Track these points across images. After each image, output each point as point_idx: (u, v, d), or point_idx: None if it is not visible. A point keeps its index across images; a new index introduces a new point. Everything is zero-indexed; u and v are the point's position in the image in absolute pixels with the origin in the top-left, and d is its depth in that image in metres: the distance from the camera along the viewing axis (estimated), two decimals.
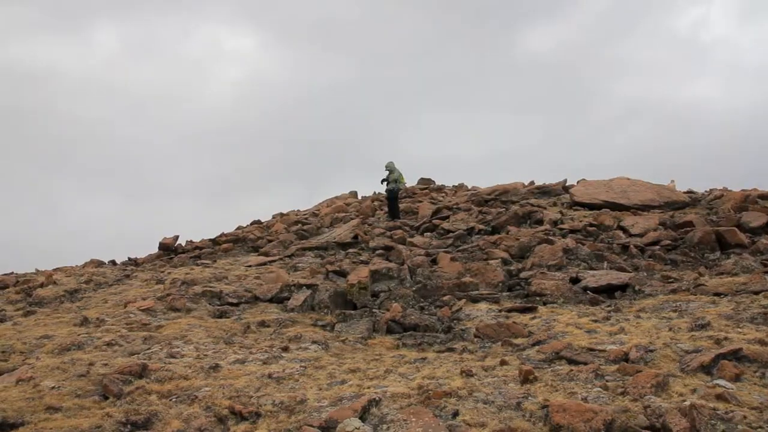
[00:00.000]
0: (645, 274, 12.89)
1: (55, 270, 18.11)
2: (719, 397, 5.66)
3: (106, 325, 10.46)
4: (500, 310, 10.57)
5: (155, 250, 21.73)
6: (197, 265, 17.28)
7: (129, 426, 6.06)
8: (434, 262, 14.60)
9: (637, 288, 11.56)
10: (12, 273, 18.08)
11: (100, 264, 19.62)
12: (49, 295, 13.84)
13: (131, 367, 7.56)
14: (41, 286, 14.69)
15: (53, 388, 7.05)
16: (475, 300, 11.39)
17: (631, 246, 14.98)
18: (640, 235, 16.26)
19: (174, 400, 6.70)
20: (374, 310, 11.27)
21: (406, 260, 14.53)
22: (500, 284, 12.82)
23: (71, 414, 6.30)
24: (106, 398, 6.82)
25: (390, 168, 22.56)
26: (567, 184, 25.23)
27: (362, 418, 5.77)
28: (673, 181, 24.27)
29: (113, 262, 20.25)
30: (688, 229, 16.03)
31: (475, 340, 9.12)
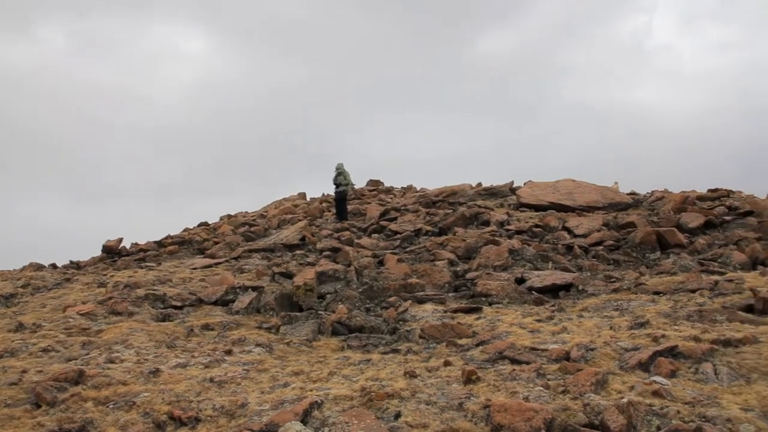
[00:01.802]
0: (588, 274, 13.11)
1: None
2: (655, 394, 5.76)
3: (42, 331, 10.13)
4: (446, 311, 10.60)
5: (99, 253, 21.22)
6: (141, 267, 16.95)
7: None
8: (381, 263, 14.59)
9: (580, 288, 11.75)
10: None
11: (39, 267, 19.06)
12: None
13: (67, 373, 7.33)
14: None
15: None
16: (421, 301, 11.41)
17: (576, 246, 15.22)
18: (584, 236, 16.53)
19: (111, 406, 6.52)
20: (320, 312, 11.19)
21: (353, 262, 14.48)
22: (446, 285, 12.89)
23: (0, 424, 6.08)
24: (39, 407, 6.59)
25: (339, 169, 22.49)
26: (514, 185, 25.53)
27: (304, 422, 5.71)
28: (616, 183, 24.79)
29: (54, 266, 19.71)
30: (630, 229, 16.37)
31: (420, 341, 9.12)
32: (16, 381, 7.30)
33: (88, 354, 8.76)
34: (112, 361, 8.25)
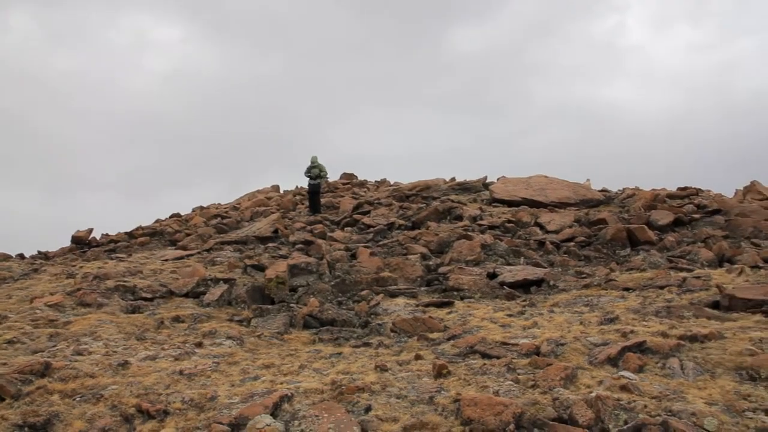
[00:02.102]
0: (560, 269, 13.22)
1: None
2: (623, 388, 5.82)
3: (8, 322, 9.96)
4: (417, 305, 10.62)
5: (69, 243, 20.94)
6: (111, 258, 16.75)
7: (27, 428, 5.79)
8: (354, 256, 14.59)
9: (551, 283, 11.85)
10: None
11: (6, 258, 18.78)
12: None
13: (33, 365, 7.20)
14: None
15: None
16: (393, 295, 11.43)
17: (547, 242, 15.34)
18: (556, 232, 16.66)
19: (78, 399, 6.43)
20: (292, 305, 11.15)
21: (326, 255, 14.46)
22: (419, 279, 12.91)
23: None
24: (3, 400, 6.47)
25: (314, 162, 22.41)
26: (487, 181, 25.62)
27: (274, 415, 5.68)
28: (588, 180, 24.99)
29: (21, 256, 19.43)
30: (602, 226, 16.54)
31: (392, 334, 9.14)
32: None
33: (55, 346, 8.63)
34: (79, 354, 8.15)
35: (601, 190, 23.58)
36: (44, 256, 19.36)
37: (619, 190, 23.57)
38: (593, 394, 5.55)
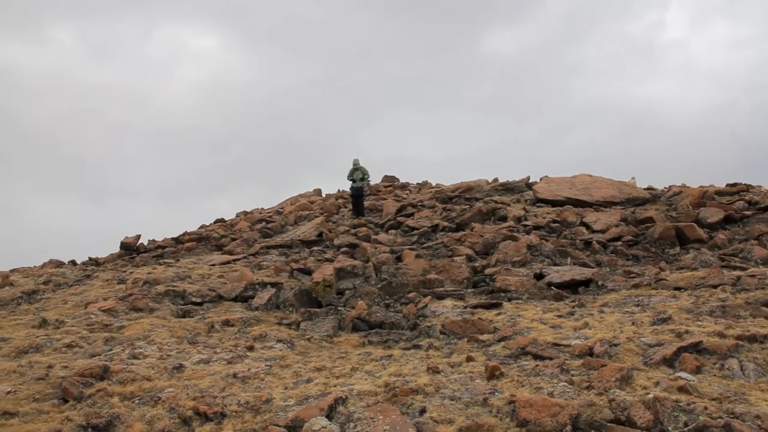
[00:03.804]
0: (607, 269, 13.07)
1: (12, 271, 17.68)
2: (681, 389, 5.73)
3: (65, 327, 10.22)
4: (465, 307, 10.59)
5: (117, 250, 21.38)
6: (160, 264, 17.06)
7: (90, 429, 5.93)
8: (399, 259, 14.60)
9: (600, 283, 11.71)
10: None
11: (59, 264, 19.23)
12: (5, 297, 13.51)
13: (92, 368, 7.39)
14: None
15: (9, 392, 6.85)
16: (440, 297, 11.41)
17: (594, 242, 15.17)
18: (602, 231, 16.47)
19: (137, 402, 6.57)
20: (339, 308, 11.22)
21: (371, 258, 14.50)
22: (465, 281, 12.87)
23: (28, 419, 6.14)
24: (66, 402, 6.65)
25: (356, 165, 22.51)
26: (530, 181, 25.44)
27: (329, 417, 5.73)
28: (633, 178, 24.66)
29: (73, 263, 19.88)
30: (649, 224, 16.29)
31: (441, 336, 9.13)
32: (43, 376, 7.37)
33: (111, 350, 8.84)
34: (135, 357, 8.33)
35: (647, 188, 23.25)
36: (95, 262, 19.78)
37: (665, 188, 23.21)
38: (651, 396, 5.49)
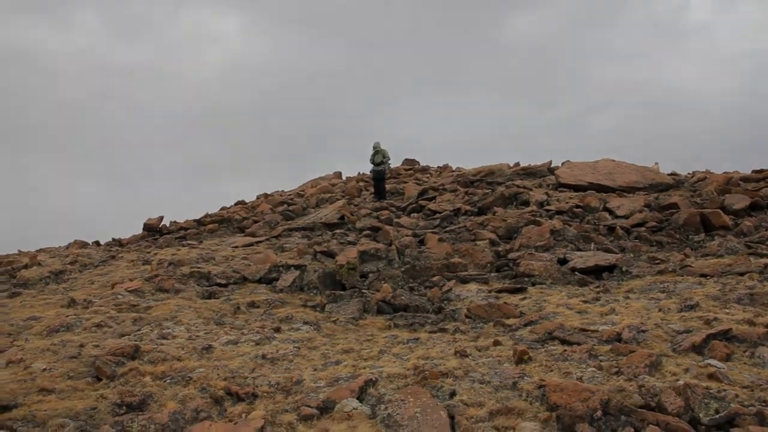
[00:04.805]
0: (631, 255, 13.01)
1: (39, 251, 17.92)
2: (711, 377, 5.74)
3: (94, 307, 10.36)
4: (490, 291, 10.61)
5: (138, 231, 21.57)
6: (183, 245, 17.16)
7: (124, 407, 6.03)
8: (422, 242, 14.63)
9: (624, 269, 11.67)
10: None
11: (84, 245, 19.44)
12: (33, 277, 13.69)
13: (123, 348, 7.50)
14: (25, 267, 14.53)
15: (45, 370, 6.98)
16: (464, 281, 11.43)
17: (617, 227, 15.09)
18: (626, 217, 16.38)
19: (168, 381, 6.67)
20: (364, 291, 11.28)
21: (394, 241, 14.54)
22: (488, 265, 12.88)
23: (65, 396, 6.26)
24: (99, 380, 6.76)
25: (377, 148, 22.48)
26: (552, 165, 25.31)
27: (360, 399, 5.79)
28: (656, 164, 24.46)
29: (97, 243, 20.09)
30: (673, 210, 16.18)
31: (467, 320, 9.16)
32: (76, 355, 7.49)
33: (139, 330, 8.95)
34: (164, 337, 8.43)
35: (671, 174, 23.03)
36: (119, 243, 19.97)
37: (688, 174, 22.99)
38: (681, 382, 5.49)
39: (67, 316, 9.63)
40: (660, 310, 8.37)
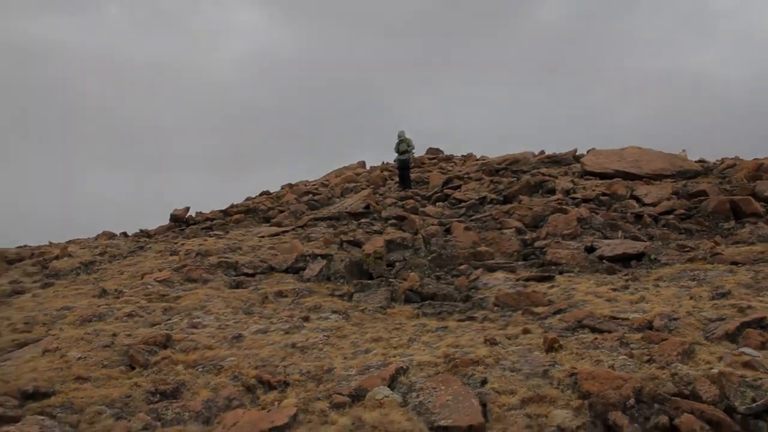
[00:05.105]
0: (660, 243, 12.87)
1: (69, 242, 18.16)
2: (746, 365, 5.67)
3: (124, 297, 10.50)
4: (517, 279, 10.57)
5: (162, 222, 21.74)
6: (210, 236, 17.28)
7: (158, 395, 6.12)
8: (448, 231, 14.60)
9: (653, 257, 11.56)
10: (26, 246, 18.17)
11: (112, 236, 19.67)
12: (65, 267, 13.91)
13: (155, 337, 7.61)
14: (56, 258, 14.75)
15: (80, 358, 7.10)
16: (491, 269, 11.40)
17: (645, 215, 14.94)
18: (654, 205, 16.20)
19: (200, 369, 6.75)
20: (391, 280, 11.30)
21: (420, 230, 14.53)
22: (515, 253, 12.83)
23: (100, 384, 6.36)
24: (133, 368, 6.87)
25: (401, 136, 22.41)
26: (577, 153, 25.09)
27: (391, 387, 5.82)
28: (684, 151, 24.13)
29: (125, 234, 20.30)
30: (702, 198, 15.96)
31: (495, 308, 9.14)
32: (109, 344, 7.61)
33: (170, 319, 9.06)
34: (194, 327, 8.53)
35: (698, 161, 22.72)
36: (146, 234, 20.16)
37: (717, 161, 22.66)
38: (715, 370, 5.45)
39: (99, 306, 9.78)
40: (691, 298, 8.29)
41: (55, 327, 8.79)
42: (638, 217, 15.09)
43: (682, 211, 15.30)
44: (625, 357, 6.17)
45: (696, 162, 22.30)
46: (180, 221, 21.43)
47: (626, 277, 10.21)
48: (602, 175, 20.79)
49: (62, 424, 5.40)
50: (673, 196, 16.74)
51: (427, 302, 9.89)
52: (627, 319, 7.45)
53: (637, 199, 16.97)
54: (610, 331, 7.04)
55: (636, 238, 13.13)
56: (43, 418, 5.41)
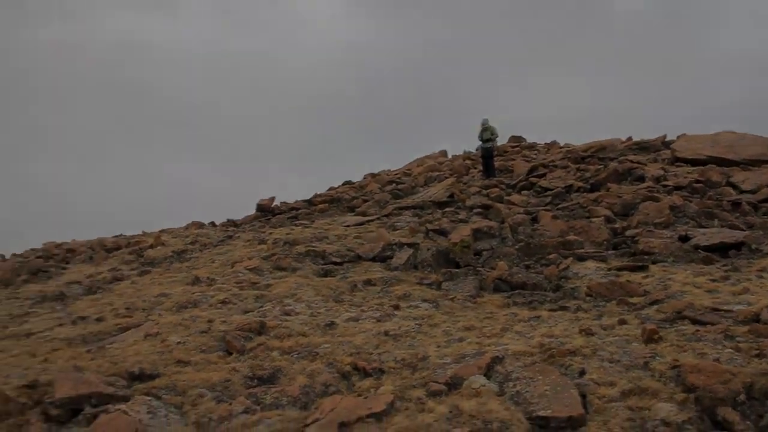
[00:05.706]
0: (761, 232, 12.31)
1: (161, 232, 18.80)
2: None
3: (217, 284, 10.79)
4: (609, 269, 10.33)
5: (245, 213, 22.19)
6: (296, 225, 17.54)
7: (256, 380, 6.26)
8: (535, 220, 14.37)
9: (753, 246, 11.07)
10: (121, 235, 18.93)
11: (201, 226, 20.23)
12: (158, 256, 14.41)
13: (250, 324, 7.79)
14: (150, 247, 15.31)
15: (179, 343, 7.35)
16: (581, 258, 11.16)
17: (743, 203, 14.32)
18: (752, 192, 15.52)
19: (295, 356, 6.87)
20: (478, 269, 11.21)
21: (506, 219, 14.36)
22: (605, 242, 12.52)
23: (200, 368, 6.55)
24: (230, 354, 7.06)
25: (485, 124, 22.14)
26: (666, 139, 24.26)
27: (487, 376, 5.78)
28: None
29: (213, 224, 20.85)
30: None
31: (587, 298, 8.96)
32: (206, 330, 7.84)
33: (262, 307, 9.26)
34: (287, 314, 8.68)
35: None
36: (233, 223, 20.64)
37: None
38: None
39: (194, 293, 10.10)
40: None
41: (154, 313, 9.12)
42: (736, 204, 14.48)
43: None
44: (731, 350, 5.93)
45: None
46: (266, 211, 21.82)
47: (725, 268, 9.82)
48: (694, 162, 20.03)
49: (167, 405, 5.59)
50: None
51: (516, 291, 9.78)
52: (731, 311, 7.17)
53: (734, 186, 16.29)
54: (712, 323, 6.79)
55: (734, 227, 12.60)
56: (149, 398, 5.62)
